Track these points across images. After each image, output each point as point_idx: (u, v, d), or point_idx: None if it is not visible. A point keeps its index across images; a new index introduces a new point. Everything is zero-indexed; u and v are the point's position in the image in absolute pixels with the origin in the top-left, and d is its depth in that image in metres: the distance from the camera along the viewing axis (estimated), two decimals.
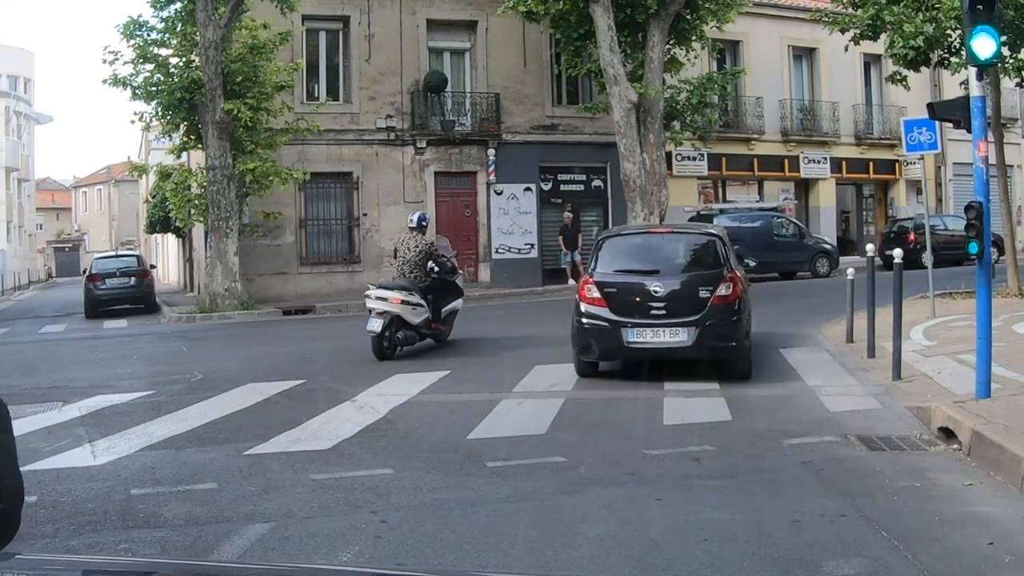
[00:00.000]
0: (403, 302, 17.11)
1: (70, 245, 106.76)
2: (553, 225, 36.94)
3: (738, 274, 14.21)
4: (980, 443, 9.17)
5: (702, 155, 40.41)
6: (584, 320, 14.02)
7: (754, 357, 14.45)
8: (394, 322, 17.09)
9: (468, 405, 12.70)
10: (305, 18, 33.55)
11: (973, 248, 10.84)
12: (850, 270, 17.93)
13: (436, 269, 17.89)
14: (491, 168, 36.08)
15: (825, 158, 44.00)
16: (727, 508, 7.84)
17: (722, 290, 13.62)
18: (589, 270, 14.74)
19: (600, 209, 38.47)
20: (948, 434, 9.95)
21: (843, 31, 25.86)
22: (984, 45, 10.64)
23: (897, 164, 45.06)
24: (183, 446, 10.56)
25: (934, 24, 22.46)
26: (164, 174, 31.08)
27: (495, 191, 36.29)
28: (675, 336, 13.56)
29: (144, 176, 31.36)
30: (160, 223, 45.20)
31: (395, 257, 18.49)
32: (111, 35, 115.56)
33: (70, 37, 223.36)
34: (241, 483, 8.92)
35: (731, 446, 10.01)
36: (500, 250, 36.32)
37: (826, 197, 44.55)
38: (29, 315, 38.74)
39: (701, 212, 36.87)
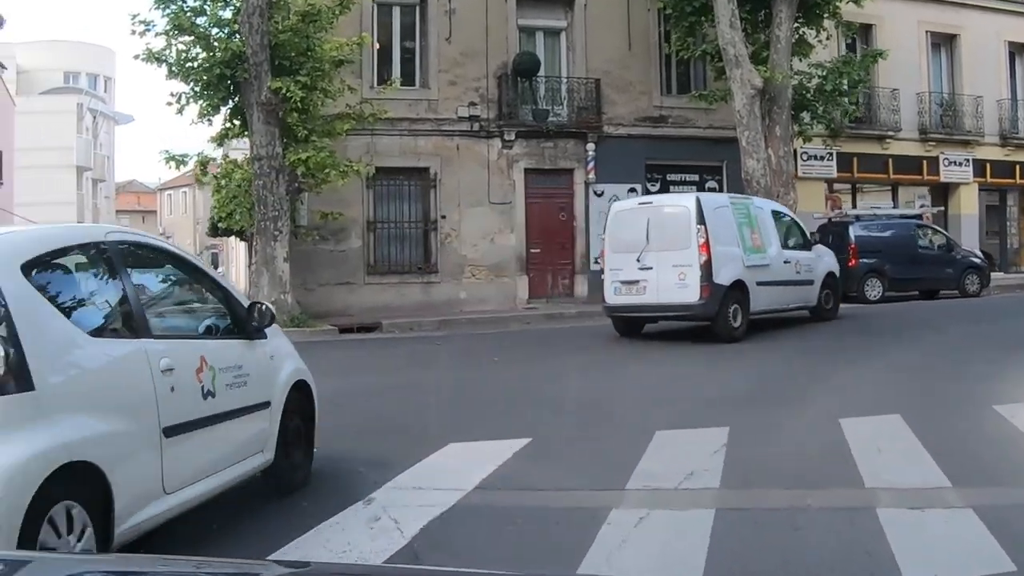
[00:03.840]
0: None
1: None
2: None
3: None
4: None
5: (831, 154, 35.55)
6: None
7: (964, 422, 10.47)
8: None
9: (553, 518, 7.75)
10: None
11: None
12: None
13: None
14: (590, 165, 31.46)
15: (967, 160, 38.86)
16: None
17: None
18: None
19: None
20: None
21: None
22: None
23: None
24: None
25: None
26: (203, 164, 26.36)
27: (594, 192, 31.62)
28: None
29: (198, 170, 26.59)
30: (227, 227, 40.86)
31: None
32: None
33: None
34: None
35: None
36: (600, 260, 31.38)
37: (967, 204, 39.25)
38: None
39: (833, 220, 31.78)
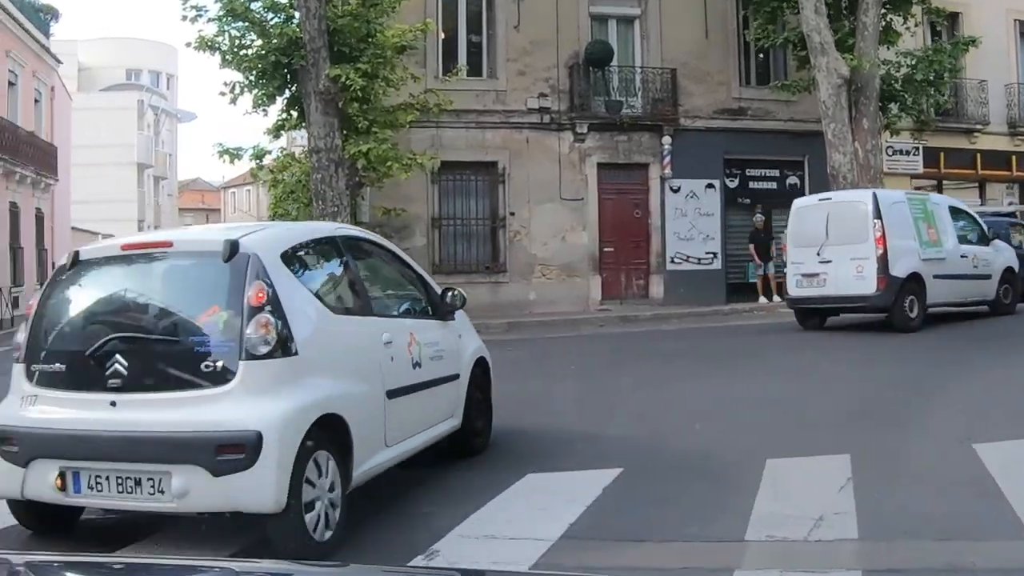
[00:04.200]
0: None
1: None
2: (739, 230, 30.55)
3: None
4: None
5: (917, 148, 33.55)
6: None
7: None
8: None
9: None
10: None
11: None
12: None
13: None
14: (666, 160, 29.77)
15: None
16: None
17: None
18: None
19: None
20: None
21: None
22: None
23: None
24: None
25: None
26: (258, 157, 25.02)
27: (671, 187, 29.99)
28: None
29: (253, 164, 25.26)
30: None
31: None
32: None
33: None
34: None
35: None
36: (676, 259, 29.99)
37: None
38: None
39: None
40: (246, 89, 24.05)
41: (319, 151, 22.84)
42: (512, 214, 28.66)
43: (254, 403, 6.41)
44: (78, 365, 6.80)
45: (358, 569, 4.05)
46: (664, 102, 30.06)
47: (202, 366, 6.49)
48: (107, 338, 6.72)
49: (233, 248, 6.78)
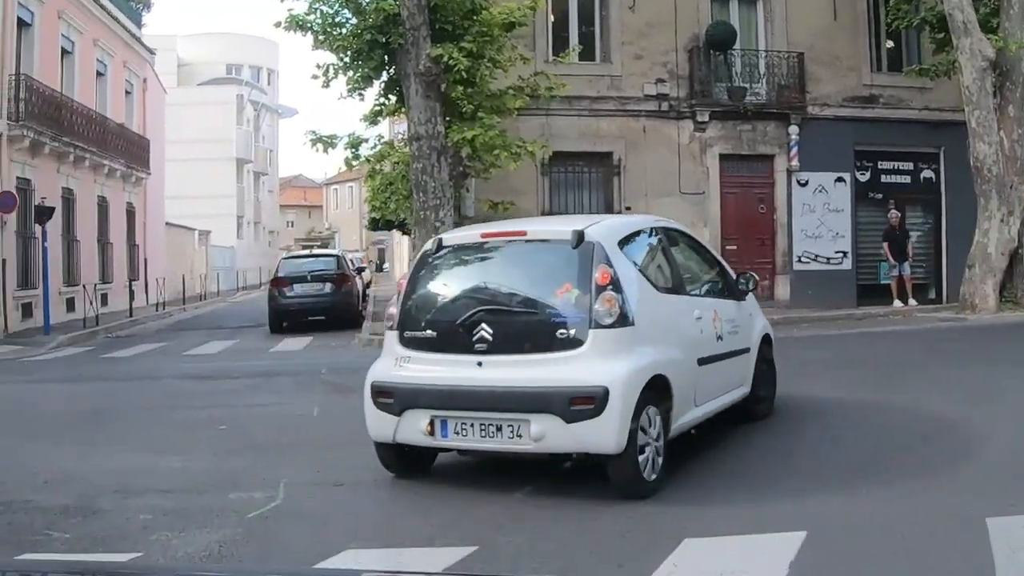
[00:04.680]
0: None
1: (319, 244, 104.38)
2: (870, 227, 28.21)
3: None
4: None
5: None
6: None
7: None
8: None
9: None
10: None
11: None
12: None
13: None
14: (793, 151, 27.51)
15: None
16: None
17: None
18: None
19: (930, 207, 29.27)
20: None
21: None
22: None
23: None
24: None
25: None
26: (354, 146, 23.23)
27: (798, 181, 27.72)
28: None
29: (349, 153, 23.45)
30: (383, 218, 37.73)
31: None
32: None
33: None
34: None
35: None
36: (804, 259, 27.71)
37: None
38: (212, 325, 32.14)
39: None
40: (340, 71, 22.34)
41: (420, 138, 21.06)
42: (628, 208, 26.42)
43: (601, 365, 7.75)
44: (448, 332, 8.39)
45: None
46: (790, 88, 27.72)
47: (557, 334, 7.95)
48: (475, 310, 8.27)
49: (580, 237, 8.26)
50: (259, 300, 40.07)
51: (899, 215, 27.19)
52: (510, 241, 8.84)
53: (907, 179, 29.06)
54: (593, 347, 7.80)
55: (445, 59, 20.53)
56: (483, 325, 8.10)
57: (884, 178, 28.84)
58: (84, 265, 33.48)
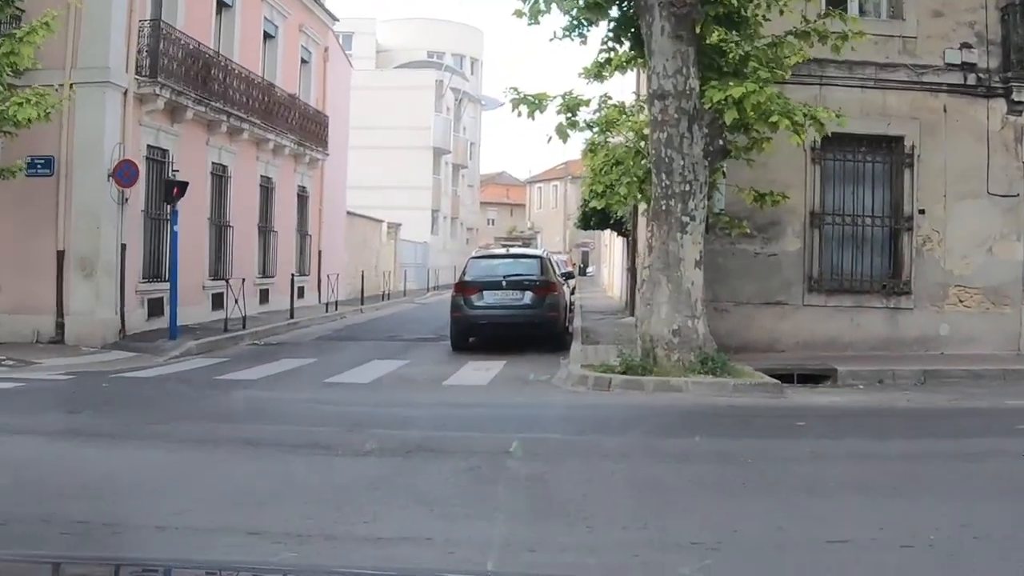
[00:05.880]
0: None
1: (519, 243, 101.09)
2: None
3: None
4: None
5: None
6: None
7: None
8: None
9: None
10: None
11: None
12: None
13: None
14: None
15: None
16: None
17: None
18: None
19: None
20: None
21: None
22: None
23: None
24: None
25: None
26: (569, 109, 17.11)
27: None
28: None
29: (564, 119, 17.34)
30: (596, 214, 31.60)
31: None
32: None
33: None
34: None
35: None
36: None
37: None
38: (385, 335, 26.67)
39: None
40: (554, 2, 16.10)
41: (665, 96, 14.99)
42: (922, 212, 20.13)
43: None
44: None
45: None
46: None
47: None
48: None
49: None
50: (449, 303, 34.71)
51: None
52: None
53: None
54: None
55: None
56: None
57: None
58: (239, 256, 28.33)
